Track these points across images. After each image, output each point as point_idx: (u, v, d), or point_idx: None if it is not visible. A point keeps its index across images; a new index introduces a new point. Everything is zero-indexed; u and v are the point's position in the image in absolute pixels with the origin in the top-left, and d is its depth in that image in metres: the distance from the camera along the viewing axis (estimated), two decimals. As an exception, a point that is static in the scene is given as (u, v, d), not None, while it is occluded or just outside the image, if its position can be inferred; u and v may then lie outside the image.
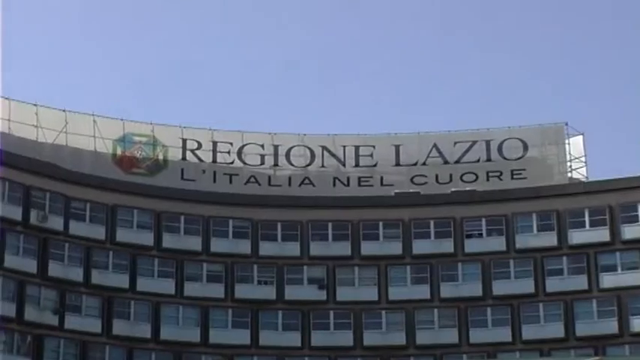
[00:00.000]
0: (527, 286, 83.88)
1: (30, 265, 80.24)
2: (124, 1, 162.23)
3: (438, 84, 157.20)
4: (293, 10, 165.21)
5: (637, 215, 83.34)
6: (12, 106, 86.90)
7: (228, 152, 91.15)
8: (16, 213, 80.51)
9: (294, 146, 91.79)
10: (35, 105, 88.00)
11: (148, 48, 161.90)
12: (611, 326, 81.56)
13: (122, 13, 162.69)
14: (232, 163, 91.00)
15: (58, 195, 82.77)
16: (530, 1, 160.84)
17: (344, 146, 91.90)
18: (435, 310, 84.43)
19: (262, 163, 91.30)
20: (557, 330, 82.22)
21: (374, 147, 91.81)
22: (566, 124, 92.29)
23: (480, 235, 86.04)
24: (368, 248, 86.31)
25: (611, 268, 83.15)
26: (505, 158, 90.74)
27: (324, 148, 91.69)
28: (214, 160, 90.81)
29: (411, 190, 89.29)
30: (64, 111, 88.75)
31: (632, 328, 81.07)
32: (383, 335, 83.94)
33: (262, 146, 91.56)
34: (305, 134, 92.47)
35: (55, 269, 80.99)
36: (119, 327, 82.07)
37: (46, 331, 79.78)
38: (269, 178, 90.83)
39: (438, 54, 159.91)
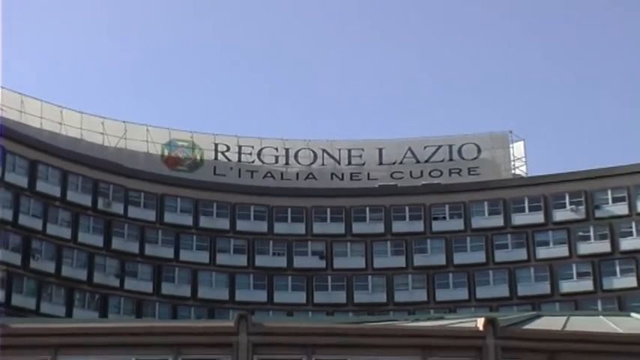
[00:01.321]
0: (479, 257, 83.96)
1: (97, 240, 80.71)
2: (164, 33, 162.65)
3: (412, 100, 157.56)
4: (297, 34, 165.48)
5: (565, 203, 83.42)
6: (83, 118, 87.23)
7: (250, 154, 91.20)
8: (86, 200, 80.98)
9: (301, 149, 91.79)
10: (102, 117, 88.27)
11: (187, 72, 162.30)
12: (544, 288, 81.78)
13: (161, 44, 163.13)
14: (253, 162, 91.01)
15: (119, 186, 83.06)
16: (485, 28, 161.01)
17: (339, 149, 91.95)
18: (409, 276, 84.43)
19: (276, 162, 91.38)
20: (503, 291, 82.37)
21: (362, 150, 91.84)
22: (511, 132, 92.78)
23: (444, 217, 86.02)
24: (358, 228, 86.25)
25: (545, 244, 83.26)
26: (463, 158, 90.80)
27: (324, 150, 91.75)
28: (239, 160, 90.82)
29: (391, 183, 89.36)
30: (123, 122, 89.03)
31: (561, 289, 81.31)
32: (369, 295, 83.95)
33: (276, 149, 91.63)
34: (309, 140, 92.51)
35: (116, 243, 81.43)
36: (166, 288, 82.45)
37: (110, 291, 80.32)
38: (281, 173, 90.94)
39: (411, 74, 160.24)
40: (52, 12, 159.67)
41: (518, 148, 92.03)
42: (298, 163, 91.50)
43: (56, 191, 79.52)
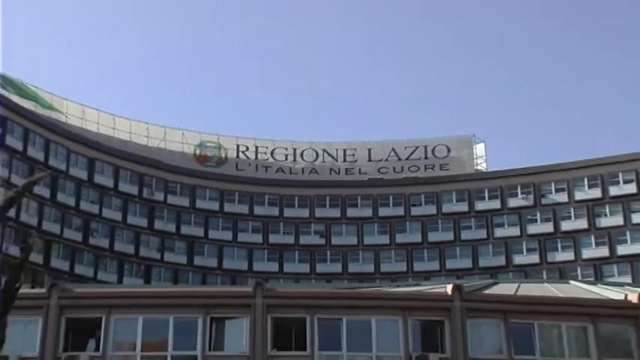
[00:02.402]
0: (448, 235, 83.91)
1: (142, 222, 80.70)
2: (201, 48, 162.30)
3: (396, 109, 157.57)
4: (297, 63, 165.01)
5: (517, 192, 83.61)
6: (132, 124, 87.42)
7: (265, 153, 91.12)
8: (134, 190, 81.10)
9: (306, 149, 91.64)
10: (146, 123, 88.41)
11: (215, 85, 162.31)
12: (501, 260, 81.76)
13: (193, 61, 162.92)
14: (267, 159, 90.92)
15: (160, 179, 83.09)
16: (449, 42, 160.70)
17: (336, 149, 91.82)
18: (392, 251, 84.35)
19: (286, 159, 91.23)
20: (467, 263, 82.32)
21: (355, 149, 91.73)
22: (474, 136, 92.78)
23: (420, 204, 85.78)
24: (351, 212, 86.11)
25: (501, 225, 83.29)
26: (436, 157, 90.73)
27: (324, 150, 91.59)
28: (256, 158, 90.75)
29: (378, 177, 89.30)
30: (163, 127, 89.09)
31: (513, 262, 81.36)
32: (360, 266, 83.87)
33: (286, 149, 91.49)
34: (312, 142, 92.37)
35: (158, 224, 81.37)
36: (198, 260, 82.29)
37: (152, 262, 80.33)
38: (290, 169, 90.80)
39: (395, 88, 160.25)
40: (106, 34, 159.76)
41: (480, 149, 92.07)
42: (303, 160, 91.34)
43: (110, 183, 79.64)
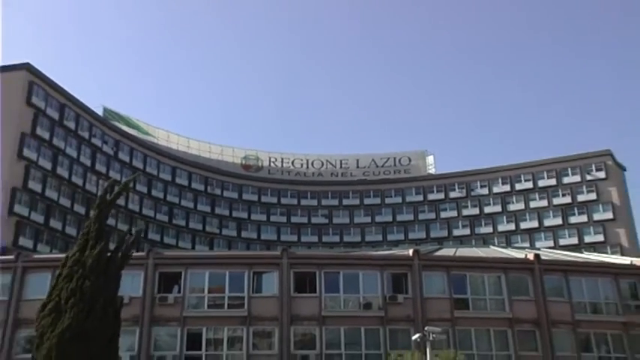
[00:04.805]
0: (410, 217, 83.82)
1: (207, 209, 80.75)
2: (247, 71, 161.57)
3: (375, 132, 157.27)
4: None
5: (455, 188, 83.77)
6: (200, 144, 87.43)
7: (288, 162, 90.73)
8: (202, 187, 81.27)
9: (315, 160, 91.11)
10: (209, 143, 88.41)
11: (258, 118, 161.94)
12: (445, 233, 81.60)
13: (237, 94, 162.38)
14: (289, 167, 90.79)
15: (218, 180, 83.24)
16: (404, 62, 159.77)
17: (335, 159, 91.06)
18: (373, 227, 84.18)
19: (302, 166, 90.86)
20: (422, 235, 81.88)
21: (348, 160, 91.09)
22: (426, 150, 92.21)
23: (392, 196, 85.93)
24: (345, 202, 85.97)
25: (445, 209, 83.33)
26: (401, 164, 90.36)
27: (327, 160, 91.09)
28: (282, 165, 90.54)
29: (363, 178, 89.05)
30: (220, 145, 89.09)
31: (453, 234, 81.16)
32: (352, 237, 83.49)
33: (302, 159, 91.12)
34: (320, 154, 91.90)
35: (217, 210, 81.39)
36: (244, 234, 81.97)
37: (214, 236, 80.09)
38: (304, 173, 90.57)
39: (374, 116, 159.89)
40: (182, 77, 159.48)
41: (430, 159, 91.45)
42: (313, 167, 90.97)
43: (185, 182, 79.85)
